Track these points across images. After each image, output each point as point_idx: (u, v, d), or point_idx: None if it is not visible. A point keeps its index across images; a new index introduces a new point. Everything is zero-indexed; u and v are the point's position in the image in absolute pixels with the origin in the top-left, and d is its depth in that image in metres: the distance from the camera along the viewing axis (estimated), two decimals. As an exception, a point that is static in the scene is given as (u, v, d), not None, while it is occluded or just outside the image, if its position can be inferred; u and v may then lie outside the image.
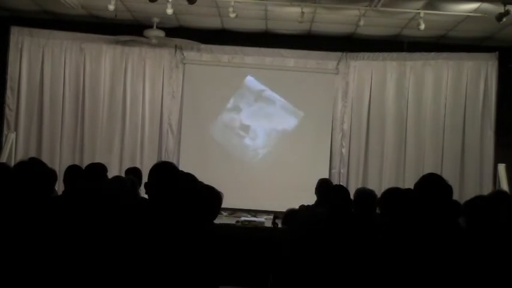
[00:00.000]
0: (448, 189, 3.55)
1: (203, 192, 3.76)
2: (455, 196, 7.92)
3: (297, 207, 5.91)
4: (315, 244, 3.98)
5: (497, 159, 9.71)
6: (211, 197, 3.87)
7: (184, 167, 6.91)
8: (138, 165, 8.46)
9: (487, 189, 9.28)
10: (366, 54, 10.17)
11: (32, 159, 4.06)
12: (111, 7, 8.16)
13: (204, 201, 3.65)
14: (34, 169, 3.69)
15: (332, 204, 4.31)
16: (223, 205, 10.47)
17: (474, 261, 3.27)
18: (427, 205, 3.46)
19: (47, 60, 10.01)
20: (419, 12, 8.39)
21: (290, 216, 5.70)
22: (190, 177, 3.98)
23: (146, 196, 3.59)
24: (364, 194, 4.89)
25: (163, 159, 9.83)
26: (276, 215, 8.18)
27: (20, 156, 9.27)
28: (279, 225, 7.83)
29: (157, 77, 10.22)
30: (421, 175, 3.57)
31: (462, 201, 4.11)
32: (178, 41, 9.83)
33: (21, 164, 3.82)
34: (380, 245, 3.32)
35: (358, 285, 3.43)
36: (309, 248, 4.07)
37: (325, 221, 4.11)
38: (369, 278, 3.29)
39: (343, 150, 10.22)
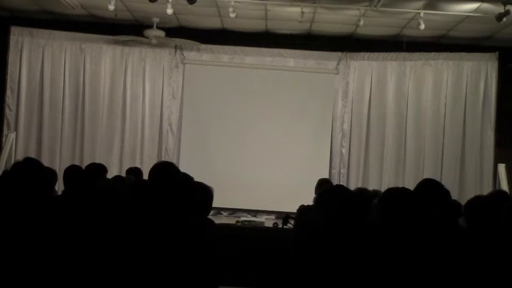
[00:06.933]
0: (446, 193, 3.59)
1: (194, 188, 3.77)
2: (455, 196, 7.93)
3: (301, 206, 5.89)
4: (314, 246, 3.98)
5: (497, 159, 9.72)
6: (203, 192, 3.89)
7: (184, 167, 6.91)
8: (138, 165, 8.48)
9: (487, 189, 9.28)
10: (366, 54, 10.18)
11: (27, 159, 4.04)
12: (111, 7, 8.16)
13: (195, 197, 3.66)
14: (32, 169, 3.68)
15: (331, 205, 4.30)
16: (223, 205, 10.41)
17: (474, 261, 3.27)
18: (426, 206, 3.47)
19: (47, 60, 10.01)
20: (419, 12, 8.39)
21: (302, 213, 5.67)
22: (188, 177, 3.98)
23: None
24: (362, 194, 4.88)
25: (163, 159, 9.83)
26: (277, 215, 8.19)
27: (20, 156, 9.26)
28: (279, 225, 7.83)
29: (157, 77, 10.22)
30: (421, 175, 3.62)
31: (462, 201, 4.11)
32: (178, 41, 9.83)
33: (18, 165, 3.82)
34: (380, 246, 3.32)
35: (357, 286, 3.43)
36: (309, 250, 4.07)
37: (324, 222, 4.11)
38: (369, 280, 3.29)
39: (343, 150, 10.22)
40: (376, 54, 10.14)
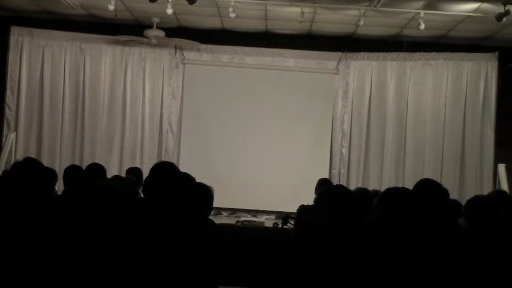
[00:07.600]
0: (444, 192, 3.60)
1: (195, 188, 3.77)
2: (456, 196, 7.94)
3: (301, 206, 5.89)
4: (314, 246, 3.98)
5: (497, 159, 9.72)
6: (203, 192, 3.89)
7: (184, 167, 6.91)
8: (138, 165, 8.48)
9: (487, 189, 9.29)
10: (366, 54, 10.18)
11: (27, 159, 4.04)
12: (111, 7, 8.17)
13: (196, 198, 3.66)
14: (32, 169, 3.68)
15: (331, 205, 4.30)
16: (224, 205, 10.40)
17: (474, 261, 3.27)
18: (426, 206, 3.47)
19: (47, 61, 10.02)
20: (419, 12, 8.39)
21: (302, 213, 5.67)
22: (188, 177, 3.98)
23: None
24: (362, 194, 4.89)
25: (163, 158, 9.84)
26: (277, 215, 8.19)
27: (20, 156, 9.26)
28: (279, 225, 7.83)
29: (157, 77, 10.23)
30: (421, 175, 3.62)
31: (462, 201, 4.11)
32: (178, 41, 9.83)
33: (18, 165, 3.82)
34: (380, 246, 3.32)
35: (357, 286, 3.44)
36: (309, 250, 4.07)
37: (324, 222, 4.11)
38: (369, 280, 3.29)
39: (343, 150, 10.22)
40: (376, 54, 10.15)
